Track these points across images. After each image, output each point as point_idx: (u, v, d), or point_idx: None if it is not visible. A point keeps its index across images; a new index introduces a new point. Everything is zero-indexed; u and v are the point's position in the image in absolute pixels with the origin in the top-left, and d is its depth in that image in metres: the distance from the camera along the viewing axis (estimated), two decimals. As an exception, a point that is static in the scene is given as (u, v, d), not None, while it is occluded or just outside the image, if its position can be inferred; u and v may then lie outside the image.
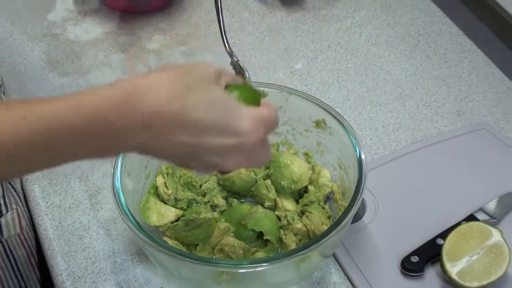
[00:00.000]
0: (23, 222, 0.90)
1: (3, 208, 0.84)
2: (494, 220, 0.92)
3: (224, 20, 0.85)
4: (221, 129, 0.63)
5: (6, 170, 0.60)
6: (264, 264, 0.77)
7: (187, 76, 0.62)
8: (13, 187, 0.91)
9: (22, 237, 0.92)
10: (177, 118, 0.61)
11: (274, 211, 0.93)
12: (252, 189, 0.95)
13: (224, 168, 0.68)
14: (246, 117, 0.64)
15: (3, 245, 0.87)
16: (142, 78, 0.61)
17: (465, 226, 0.88)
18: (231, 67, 0.84)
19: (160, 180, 0.93)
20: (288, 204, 0.92)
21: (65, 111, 0.58)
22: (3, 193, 0.83)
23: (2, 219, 0.85)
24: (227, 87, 0.67)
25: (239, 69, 0.84)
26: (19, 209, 0.88)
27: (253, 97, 0.70)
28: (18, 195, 0.93)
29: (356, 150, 0.86)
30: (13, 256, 0.90)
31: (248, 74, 0.84)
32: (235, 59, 0.82)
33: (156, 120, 0.60)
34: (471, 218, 0.92)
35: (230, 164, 0.67)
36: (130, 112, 0.59)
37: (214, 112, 0.62)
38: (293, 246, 0.88)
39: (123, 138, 0.61)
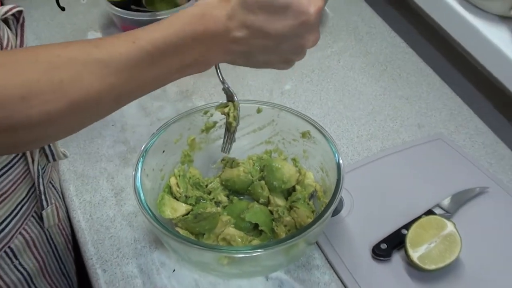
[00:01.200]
0: (60, 215, 0.90)
1: (44, 203, 0.84)
2: (448, 214, 0.92)
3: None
4: (286, 15, 0.63)
5: (123, 89, 0.61)
6: (259, 250, 0.77)
7: None
8: (53, 186, 0.91)
9: (60, 226, 0.92)
10: (248, 14, 0.62)
11: (267, 207, 0.92)
12: (249, 188, 0.95)
13: (308, 46, 0.68)
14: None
15: (45, 233, 0.87)
16: None
17: (424, 219, 0.88)
18: (223, 92, 0.84)
19: (173, 181, 0.93)
20: (279, 201, 0.92)
21: (163, 33, 0.61)
22: (44, 191, 0.83)
23: (44, 212, 0.84)
24: None
25: (229, 94, 0.83)
26: (57, 204, 0.88)
27: None
28: (58, 192, 0.93)
29: (335, 156, 0.86)
30: (53, 242, 0.90)
31: (237, 98, 0.83)
32: (226, 86, 0.82)
33: (236, 16, 0.63)
34: (429, 212, 0.92)
35: (312, 40, 0.67)
36: (208, 19, 0.63)
37: (276, 4, 0.63)
38: (283, 235, 0.88)
39: (212, 47, 0.63)
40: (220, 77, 0.82)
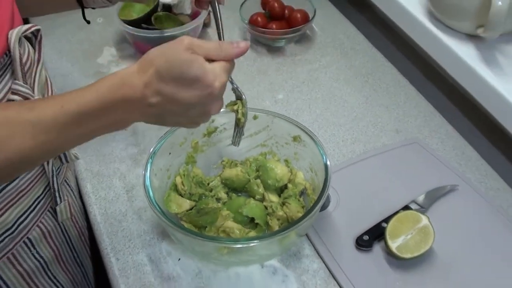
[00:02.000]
0: (72, 209, 0.89)
1: (58, 199, 0.83)
2: (423, 209, 0.92)
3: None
4: (194, 87, 0.65)
5: (48, 147, 0.63)
6: (255, 241, 0.77)
7: (165, 58, 0.64)
8: (68, 184, 0.91)
9: (74, 220, 0.92)
10: (160, 85, 0.63)
11: (262, 202, 0.92)
12: (246, 186, 0.94)
13: (212, 112, 0.69)
14: (209, 74, 0.65)
15: (60, 226, 0.87)
16: (133, 65, 0.65)
17: (402, 213, 0.88)
18: (232, 91, 0.84)
19: (178, 180, 0.92)
20: (272, 197, 0.92)
21: (87, 100, 0.62)
22: (58, 189, 0.83)
23: (58, 207, 0.84)
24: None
25: (238, 93, 0.84)
26: (69, 200, 0.88)
27: None
28: (72, 190, 0.92)
29: (323, 158, 0.85)
30: (68, 234, 0.90)
31: (245, 97, 0.84)
32: (235, 86, 0.82)
33: (151, 85, 0.63)
34: (406, 207, 0.92)
35: (215, 108, 0.69)
36: (126, 87, 0.63)
37: (184, 77, 0.64)
38: (276, 228, 0.88)
39: (129, 111, 0.65)
40: (229, 78, 0.82)
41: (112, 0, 0.94)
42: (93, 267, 1.03)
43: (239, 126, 0.86)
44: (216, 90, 0.66)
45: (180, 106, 0.66)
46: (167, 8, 1.28)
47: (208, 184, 0.96)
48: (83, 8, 0.95)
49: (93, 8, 0.97)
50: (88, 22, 1.00)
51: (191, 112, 0.67)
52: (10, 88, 0.70)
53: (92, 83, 0.64)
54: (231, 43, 0.68)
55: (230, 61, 0.69)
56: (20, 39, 0.70)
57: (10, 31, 0.70)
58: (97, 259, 0.97)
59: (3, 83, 0.69)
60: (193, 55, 0.64)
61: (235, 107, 0.85)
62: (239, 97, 0.84)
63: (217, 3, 0.92)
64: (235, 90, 0.83)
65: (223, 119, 0.94)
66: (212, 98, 0.67)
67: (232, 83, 0.82)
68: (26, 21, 0.77)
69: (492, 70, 0.89)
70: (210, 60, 0.66)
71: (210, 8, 0.94)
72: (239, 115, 0.85)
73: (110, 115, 0.64)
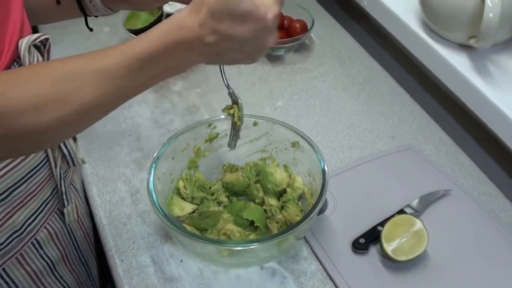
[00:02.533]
0: (79, 212, 0.89)
1: (65, 201, 0.84)
2: (417, 213, 0.92)
3: (226, 70, 0.85)
4: (247, 22, 0.64)
5: (113, 96, 0.63)
6: (255, 244, 0.77)
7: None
8: (74, 187, 0.91)
9: (80, 222, 0.92)
10: (215, 23, 0.63)
11: (262, 206, 0.92)
12: (247, 190, 0.94)
13: (268, 45, 0.68)
14: (261, 7, 0.64)
15: (66, 228, 0.87)
16: (185, 8, 0.65)
17: (397, 217, 0.88)
18: (228, 96, 0.85)
19: (181, 184, 0.92)
20: (272, 201, 0.92)
21: (148, 46, 0.62)
22: (65, 191, 0.83)
23: (65, 209, 0.84)
24: None
25: (234, 98, 0.84)
26: (76, 202, 0.88)
27: None
28: (78, 193, 0.93)
29: (321, 163, 0.86)
30: (74, 235, 0.90)
31: (241, 101, 0.84)
32: (231, 90, 0.83)
33: (205, 24, 0.63)
34: (401, 211, 0.92)
35: (270, 40, 0.68)
36: (182, 29, 0.63)
37: (237, 13, 0.63)
38: (275, 231, 0.88)
39: (188, 52, 0.64)
40: (226, 83, 0.83)
41: (114, 8, 0.95)
42: (98, 267, 1.03)
43: (235, 129, 0.87)
44: (269, 22, 0.65)
45: (235, 42, 0.65)
46: (171, 18, 1.28)
47: (210, 188, 0.96)
48: (86, 16, 0.96)
49: (96, 16, 0.97)
50: (91, 30, 1.00)
51: (247, 47, 0.67)
52: None
53: (149, 29, 0.64)
54: None
55: None
56: (29, 47, 0.71)
57: (20, 40, 0.70)
58: (101, 259, 0.97)
59: None
60: None
61: (232, 111, 0.85)
62: (235, 102, 0.85)
63: None
64: (231, 94, 0.84)
65: (224, 125, 0.94)
66: (266, 31, 0.66)
67: (228, 87, 0.83)
68: (33, 29, 0.77)
69: (484, 79, 0.90)
70: None
71: None
72: (236, 119, 0.85)
73: (169, 58, 0.64)
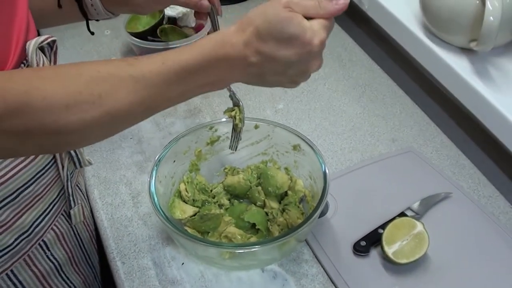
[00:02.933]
0: (85, 213, 0.90)
1: (72, 203, 0.84)
2: (418, 215, 0.92)
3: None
4: (294, 45, 0.63)
5: (147, 104, 0.62)
6: (256, 247, 0.77)
7: (265, 17, 0.64)
8: (79, 188, 0.91)
9: (85, 223, 0.92)
10: (261, 44, 0.63)
11: (263, 209, 0.92)
12: (248, 193, 0.94)
13: (311, 70, 0.68)
14: (308, 31, 0.63)
15: (73, 229, 0.88)
16: (233, 25, 0.65)
17: (398, 220, 0.88)
18: (230, 99, 0.85)
19: (182, 187, 0.93)
20: (273, 204, 0.92)
21: (189, 56, 0.62)
22: (72, 193, 0.83)
23: (72, 211, 0.85)
24: None
25: (235, 100, 0.84)
26: (82, 204, 0.88)
27: None
28: (83, 194, 0.93)
29: (322, 166, 0.86)
30: (80, 236, 0.90)
31: (242, 103, 0.85)
32: (232, 93, 0.83)
33: (251, 44, 0.63)
34: (402, 214, 0.92)
35: (314, 66, 0.67)
36: (227, 45, 0.63)
37: (284, 36, 0.63)
38: (276, 233, 0.88)
39: (231, 69, 0.64)
40: (228, 86, 0.83)
41: (115, 12, 0.95)
42: (100, 269, 1.04)
43: (236, 131, 0.87)
44: (315, 47, 0.64)
45: (279, 64, 0.64)
46: (172, 21, 1.28)
47: (211, 191, 0.96)
48: (87, 20, 0.96)
49: (97, 20, 0.98)
50: (92, 33, 1.01)
51: (290, 71, 0.66)
52: None
53: (192, 42, 0.64)
54: (330, 0, 0.67)
55: (330, 19, 0.67)
56: (36, 49, 0.71)
57: (28, 42, 0.70)
58: (103, 262, 0.97)
59: None
60: (291, 13, 0.63)
61: (233, 113, 0.86)
62: (236, 104, 0.85)
63: (215, 14, 0.94)
64: (232, 97, 0.85)
65: (225, 128, 0.94)
66: (311, 56, 0.65)
67: (229, 90, 0.83)
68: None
69: (484, 82, 0.90)
70: (308, 18, 0.64)
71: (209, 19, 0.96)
72: (237, 121, 0.86)
73: (210, 73, 0.64)
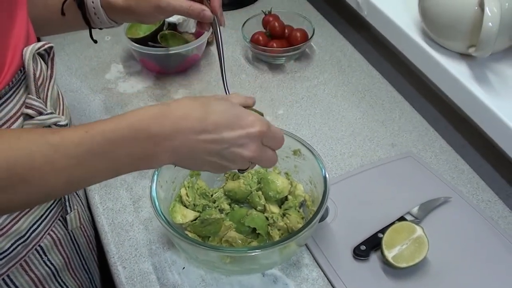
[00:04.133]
0: (81, 219, 0.90)
1: (68, 208, 0.84)
2: (417, 220, 0.92)
3: (227, 77, 0.85)
4: (232, 125, 0.64)
5: (68, 175, 0.58)
6: (256, 251, 0.77)
7: (205, 98, 0.64)
8: (77, 194, 0.91)
9: (82, 228, 0.92)
10: (200, 122, 0.62)
11: (264, 213, 0.92)
12: (248, 197, 0.95)
13: (245, 156, 0.66)
14: (250, 115, 0.65)
15: (69, 234, 0.88)
16: (173, 101, 0.63)
17: (397, 224, 0.88)
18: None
19: (183, 191, 0.93)
20: (273, 208, 0.92)
21: (116, 126, 0.59)
22: (68, 198, 0.83)
23: (68, 216, 0.85)
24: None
25: None
26: (79, 209, 0.88)
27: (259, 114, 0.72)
28: (80, 199, 0.93)
29: (322, 171, 0.86)
30: (77, 242, 0.90)
31: None
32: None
33: (183, 124, 0.61)
34: (401, 219, 0.92)
35: (248, 153, 0.66)
36: (164, 119, 0.60)
37: (226, 114, 0.64)
38: (277, 238, 0.88)
39: (162, 144, 0.61)
40: (227, 91, 0.84)
41: (118, 21, 0.96)
42: (100, 274, 1.04)
43: None
44: (254, 132, 0.65)
45: (216, 144, 0.64)
46: (173, 26, 1.29)
47: (212, 195, 0.96)
48: (90, 28, 0.97)
49: (100, 29, 0.98)
50: (95, 42, 1.01)
51: (225, 152, 0.65)
52: (24, 102, 0.71)
53: (121, 113, 0.61)
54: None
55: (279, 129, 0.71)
56: (33, 55, 0.71)
57: (25, 48, 0.71)
58: (104, 266, 0.97)
59: (17, 97, 0.70)
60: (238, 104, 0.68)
61: None
62: None
63: (218, 24, 0.94)
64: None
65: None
66: (248, 139, 0.65)
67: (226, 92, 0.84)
68: (37, 40, 0.78)
69: (483, 87, 0.90)
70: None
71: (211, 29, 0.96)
72: None
73: (139, 147, 0.60)
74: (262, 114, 0.72)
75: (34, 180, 0.57)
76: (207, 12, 0.92)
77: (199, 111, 0.63)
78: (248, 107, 0.71)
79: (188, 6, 0.91)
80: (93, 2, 0.91)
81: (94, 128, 0.58)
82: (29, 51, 0.71)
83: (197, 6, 0.92)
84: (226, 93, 0.84)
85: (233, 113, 0.65)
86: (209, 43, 1.35)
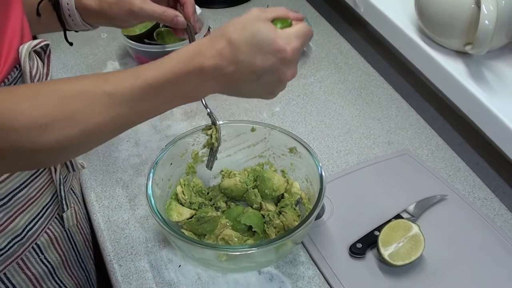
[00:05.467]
0: (78, 217, 0.90)
1: (65, 206, 0.84)
2: (414, 218, 0.92)
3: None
4: (266, 53, 0.64)
5: (123, 119, 0.62)
6: (253, 249, 0.77)
7: (237, 26, 0.65)
8: (73, 192, 0.91)
9: (79, 226, 0.92)
10: (234, 52, 0.64)
11: (260, 211, 0.92)
12: (245, 195, 0.95)
13: (286, 79, 0.68)
14: (279, 39, 0.64)
15: (66, 232, 0.88)
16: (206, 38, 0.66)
17: (394, 222, 0.88)
18: (208, 116, 0.86)
19: (179, 189, 0.93)
20: (270, 206, 0.92)
21: (163, 70, 0.62)
22: (65, 196, 0.83)
23: (64, 214, 0.85)
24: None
25: (212, 119, 0.85)
26: (75, 207, 0.88)
27: (288, 23, 0.70)
28: (77, 197, 0.93)
29: (318, 169, 0.86)
30: (73, 240, 0.90)
31: (218, 122, 0.86)
32: (209, 111, 0.85)
33: (224, 53, 0.64)
34: (398, 216, 0.92)
35: (289, 74, 0.68)
36: (206, 53, 0.64)
37: (256, 43, 0.64)
38: (273, 236, 0.88)
39: (205, 77, 0.64)
40: (204, 104, 0.85)
41: (92, 24, 0.95)
42: (96, 272, 1.04)
43: (212, 151, 0.87)
44: (288, 54, 0.65)
45: (252, 73, 0.65)
46: (169, 24, 1.28)
47: (208, 193, 0.96)
48: (65, 30, 0.96)
49: (76, 31, 0.98)
50: (71, 44, 1.01)
51: (264, 79, 0.67)
52: None
53: (165, 56, 0.64)
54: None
55: (305, 27, 0.68)
56: (30, 53, 0.71)
57: (21, 46, 0.70)
58: (100, 264, 0.97)
59: None
60: (264, 21, 0.65)
61: (209, 132, 0.86)
62: (213, 123, 0.85)
63: (192, 31, 0.94)
64: (210, 115, 0.85)
65: (222, 131, 0.94)
66: (284, 64, 0.66)
67: (206, 107, 0.84)
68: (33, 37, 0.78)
69: (479, 84, 0.90)
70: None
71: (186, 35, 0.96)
72: (213, 140, 0.86)
73: (184, 85, 0.64)
74: (288, 23, 0.70)
75: (94, 127, 0.60)
76: (181, 18, 0.92)
77: (232, 43, 0.64)
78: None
79: (161, 11, 0.91)
80: (67, 4, 0.90)
81: (145, 74, 0.62)
82: (25, 48, 0.70)
83: (171, 12, 0.91)
84: (204, 105, 0.84)
85: (264, 42, 0.64)
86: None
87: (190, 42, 0.94)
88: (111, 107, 0.60)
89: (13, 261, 0.78)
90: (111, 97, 0.60)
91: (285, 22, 0.70)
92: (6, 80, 0.69)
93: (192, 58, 0.64)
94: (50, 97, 0.58)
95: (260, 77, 0.66)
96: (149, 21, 0.94)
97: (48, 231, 0.83)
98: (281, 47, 0.65)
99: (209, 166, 0.89)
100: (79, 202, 0.95)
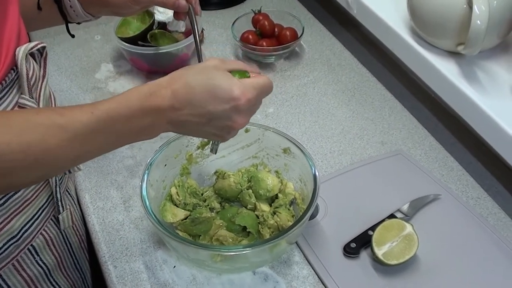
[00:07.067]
0: (74, 218, 0.90)
1: (61, 208, 0.84)
2: (407, 217, 0.93)
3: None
4: (219, 99, 0.66)
5: (77, 152, 0.63)
6: (247, 249, 0.77)
7: (195, 70, 0.68)
8: (69, 194, 0.91)
9: (74, 228, 0.92)
10: (188, 94, 0.66)
11: (254, 212, 0.92)
12: (239, 196, 0.95)
13: (236, 127, 0.70)
14: (235, 87, 0.66)
15: (62, 234, 0.87)
16: (161, 79, 0.68)
17: (387, 221, 0.89)
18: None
19: (173, 190, 0.93)
20: (264, 207, 0.92)
21: (118, 105, 0.64)
22: (61, 198, 0.83)
23: (60, 216, 0.85)
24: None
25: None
26: (71, 209, 0.88)
27: (245, 75, 0.72)
28: (72, 199, 0.93)
29: (312, 169, 0.86)
30: (69, 241, 0.90)
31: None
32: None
33: (179, 95, 0.66)
34: (391, 216, 0.93)
35: (239, 123, 0.69)
36: (163, 93, 0.65)
37: (211, 89, 0.66)
38: (267, 236, 0.88)
39: (159, 117, 0.66)
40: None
41: (94, 14, 0.95)
42: (92, 273, 1.03)
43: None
44: (242, 103, 0.67)
45: (202, 116, 0.67)
46: (162, 26, 1.29)
47: (202, 194, 0.96)
48: (67, 23, 0.96)
49: (78, 23, 0.98)
50: (73, 36, 1.02)
51: (214, 123, 0.68)
52: (17, 102, 0.71)
53: (127, 90, 0.66)
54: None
55: (264, 80, 0.71)
56: (26, 55, 0.71)
57: (18, 48, 0.70)
58: (96, 266, 0.97)
59: (10, 97, 0.70)
60: (222, 70, 0.68)
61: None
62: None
63: (193, 14, 0.96)
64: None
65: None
66: (236, 112, 0.68)
67: None
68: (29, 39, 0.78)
69: (472, 84, 0.91)
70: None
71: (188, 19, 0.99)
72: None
73: (139, 121, 0.65)
74: (246, 76, 0.72)
75: (47, 159, 0.60)
76: (182, 1, 0.94)
77: (187, 86, 0.66)
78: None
79: None
80: None
81: (99, 109, 0.63)
82: (21, 51, 0.70)
83: None
84: None
85: (218, 87, 0.66)
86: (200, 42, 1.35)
87: (191, 25, 0.96)
88: (64, 140, 0.61)
89: (8, 262, 0.78)
90: (65, 131, 0.61)
91: (243, 74, 0.72)
92: (3, 82, 0.69)
93: (147, 96, 0.65)
94: (6, 128, 0.58)
95: (211, 121, 0.68)
96: (150, 6, 0.95)
97: (43, 232, 0.83)
98: (235, 96, 0.66)
99: (214, 150, 0.89)
100: (75, 204, 0.95)
